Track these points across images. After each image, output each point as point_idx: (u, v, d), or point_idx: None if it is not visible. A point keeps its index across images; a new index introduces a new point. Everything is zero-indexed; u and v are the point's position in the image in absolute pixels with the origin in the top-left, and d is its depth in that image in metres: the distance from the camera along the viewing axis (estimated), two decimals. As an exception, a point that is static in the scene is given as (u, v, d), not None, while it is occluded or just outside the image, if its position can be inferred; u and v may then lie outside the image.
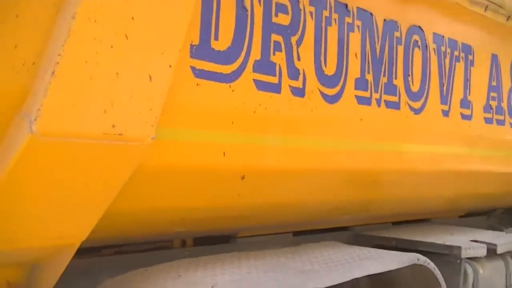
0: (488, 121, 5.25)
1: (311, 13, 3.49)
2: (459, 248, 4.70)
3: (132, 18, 2.44)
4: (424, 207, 5.50)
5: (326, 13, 3.59)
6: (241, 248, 3.88)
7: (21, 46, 2.23)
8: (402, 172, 4.55)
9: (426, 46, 4.44)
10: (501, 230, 6.39)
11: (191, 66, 2.84)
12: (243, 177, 3.27)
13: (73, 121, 2.31)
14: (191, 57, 2.84)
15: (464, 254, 4.71)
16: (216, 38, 2.97)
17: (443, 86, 4.63)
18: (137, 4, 2.45)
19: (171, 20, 2.59)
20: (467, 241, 4.96)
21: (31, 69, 2.24)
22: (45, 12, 2.27)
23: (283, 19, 3.34)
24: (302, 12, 3.44)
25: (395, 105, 4.17)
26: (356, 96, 3.83)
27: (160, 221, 3.15)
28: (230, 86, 3.04)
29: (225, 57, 3.02)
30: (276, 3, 3.28)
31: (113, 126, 2.41)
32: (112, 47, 2.39)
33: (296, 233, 4.52)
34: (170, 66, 2.59)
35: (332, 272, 3.59)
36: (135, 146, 2.52)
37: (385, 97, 4.05)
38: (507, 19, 5.22)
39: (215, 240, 3.97)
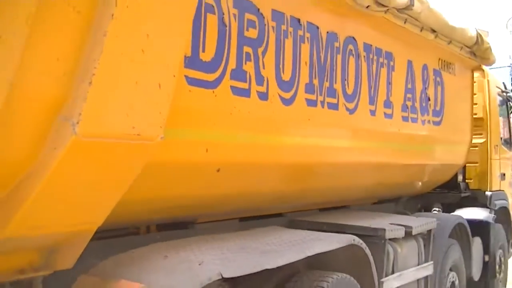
0: (404, 119, 5.99)
1: (273, 27, 4.03)
2: (383, 230, 5.38)
3: (147, 35, 2.88)
4: (347, 195, 6.15)
5: (284, 27, 4.14)
6: (199, 233, 4.34)
7: (62, 58, 2.62)
8: (336, 164, 5.17)
9: (358, 54, 5.08)
10: (407, 215, 7.18)
11: (185, 75, 3.30)
12: (218, 170, 3.77)
13: (104, 124, 2.74)
14: (185, 67, 3.30)
15: (388, 235, 5.39)
16: (204, 50, 3.45)
17: (371, 89, 5.30)
18: (150, 23, 2.89)
19: (174, 37, 3.05)
20: (388, 224, 5.65)
21: (70, 79, 2.64)
22: (79, 29, 2.67)
23: (252, 33, 3.85)
24: (266, 26, 3.96)
25: (335, 106, 4.78)
26: (306, 99, 4.41)
27: (155, 208, 3.60)
28: (213, 92, 3.53)
29: (210, 66, 3.50)
30: (247, 19, 3.79)
31: (133, 127, 2.85)
32: (132, 60, 2.83)
33: (241, 219, 5.03)
34: (174, 76, 3.05)
35: (290, 251, 4.17)
36: (148, 144, 2.97)
37: (327, 99, 4.65)
38: (421, 30, 5.97)
39: (175, 226, 4.41)
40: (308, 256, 4.35)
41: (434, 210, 8.21)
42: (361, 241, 4.96)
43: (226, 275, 3.47)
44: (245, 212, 4.92)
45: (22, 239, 2.78)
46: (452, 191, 8.23)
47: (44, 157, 2.63)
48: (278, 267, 3.95)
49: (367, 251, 5.05)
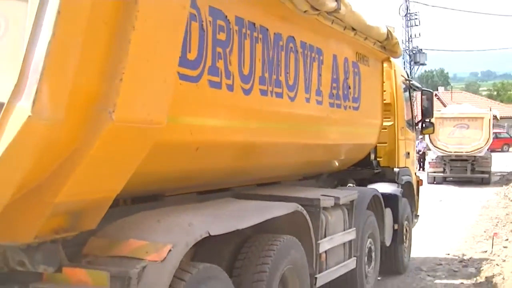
0: (331, 105, 6.99)
1: (236, 31, 4.87)
2: (318, 200, 6.34)
3: (157, 41, 3.66)
4: (282, 172, 7.05)
5: (243, 30, 4.99)
6: (169, 204, 5.09)
7: (97, 60, 3.36)
8: (279, 144, 6.08)
9: (297, 51, 6.00)
10: (331, 189, 8.18)
11: (178, 72, 4.10)
12: (197, 149, 4.59)
13: (130, 112, 3.50)
14: (178, 65, 4.09)
15: (322, 204, 6.36)
16: (190, 51, 4.25)
17: (306, 80, 6.24)
18: (159, 32, 3.67)
19: (174, 41, 3.84)
20: (320, 195, 6.62)
21: (104, 77, 3.38)
22: (108, 37, 3.40)
23: (222, 36, 4.68)
24: (231, 30, 4.80)
25: (280, 95, 5.68)
26: (260, 89, 5.28)
27: (153, 179, 4.37)
28: (196, 85, 4.34)
29: (194, 64, 4.31)
30: (218, 25, 4.62)
31: (148, 114, 3.63)
32: (147, 61, 3.61)
33: (198, 193, 5.81)
34: (175, 72, 3.84)
35: (254, 216, 5.07)
36: (157, 128, 3.75)
37: (275, 89, 5.55)
38: (344, 29, 6.97)
39: (147, 199, 5.14)
40: (261, 222, 5.24)
41: (349, 185, 9.28)
42: (302, 208, 5.91)
43: (212, 233, 4.32)
44: (204, 187, 5.72)
45: (63, 205, 3.50)
46: (365, 168, 9.33)
47: (86, 137, 3.36)
48: (234, 233, 4.78)
49: (307, 217, 6.00)
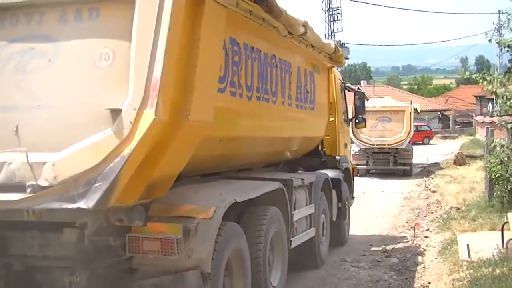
0: (297, 106, 8.86)
1: (243, 53, 6.64)
2: (291, 180, 8.19)
3: (209, 65, 5.41)
4: (257, 160, 8.82)
5: (248, 53, 6.76)
6: (183, 184, 6.69)
7: (181, 77, 5.08)
8: (264, 138, 7.87)
9: (277, 65, 7.82)
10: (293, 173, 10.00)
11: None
12: (220, 140, 6.34)
13: (197, 114, 5.24)
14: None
15: (294, 183, 8.22)
16: (220, 70, 5.99)
17: (282, 87, 8.08)
18: (210, 58, 5.42)
19: (218, 63, 5.59)
20: (290, 177, 8.46)
21: (183, 89, 5.10)
22: (183, 61, 5.12)
23: (236, 58, 6.44)
24: (241, 54, 6.57)
25: (267, 100, 7.50)
26: (257, 96, 7.08)
27: (192, 162, 6.04)
28: (223, 94, 6.10)
29: (222, 79, 6.07)
30: (234, 50, 6.37)
31: (205, 116, 5.38)
32: (205, 79, 5.35)
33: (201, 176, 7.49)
34: (217, 86, 5.61)
35: (257, 190, 6.87)
36: (208, 125, 5.50)
37: (264, 96, 7.35)
38: (306, 46, 8.85)
39: None
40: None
41: (299, 171, 11.13)
42: (282, 186, 7.74)
43: (238, 200, 6.10)
44: (211, 170, 7.34)
45: (153, 178, 5.19)
46: (315, 156, 11.22)
47: (173, 131, 5.06)
48: (235, 204, 6.37)
49: (286, 193, 7.84)
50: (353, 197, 13.15)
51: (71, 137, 5.05)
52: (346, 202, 11.99)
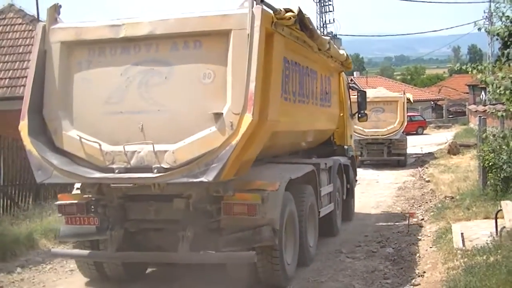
0: (321, 105, 11.08)
1: (290, 68, 8.78)
2: (319, 164, 10.41)
3: (277, 78, 7.60)
4: (289, 149, 10.98)
5: (292, 67, 8.91)
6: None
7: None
8: (302, 131, 10.05)
9: (308, 74, 9.99)
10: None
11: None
12: (272, 133, 8.49)
13: (272, 115, 7.42)
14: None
15: (321, 166, 10.44)
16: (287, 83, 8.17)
17: (312, 91, 10.26)
18: (277, 73, 7.61)
19: (279, 78, 7.79)
20: (318, 161, 10.66)
21: (265, 99, 7.28)
22: (268, 80, 7.31)
23: (286, 72, 8.58)
24: (289, 68, 8.72)
25: (303, 102, 9.68)
26: (298, 100, 9.27)
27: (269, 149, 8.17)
28: (281, 99, 8.25)
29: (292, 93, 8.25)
30: (285, 66, 8.52)
31: (276, 116, 7.57)
32: (275, 89, 7.54)
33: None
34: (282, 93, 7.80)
35: (300, 171, 9.09)
36: (276, 123, 7.68)
37: (301, 98, 9.53)
38: (327, 58, 11.06)
39: None
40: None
41: (313, 158, 13.30)
42: (314, 168, 9.95)
43: (292, 177, 8.31)
44: (260, 156, 9.45)
45: (242, 161, 7.35)
46: (328, 145, 13.42)
47: (258, 129, 7.21)
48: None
49: (317, 172, 10.05)
50: (356, 180, 15.39)
51: (185, 133, 7.22)
52: (353, 184, 14.23)
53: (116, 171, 7.40)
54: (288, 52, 8.52)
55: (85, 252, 8.32)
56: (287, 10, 7.76)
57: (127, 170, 7.38)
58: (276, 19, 7.60)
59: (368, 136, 25.29)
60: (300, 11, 7.92)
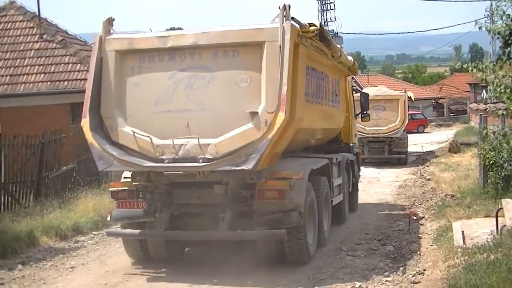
0: (332, 106, 12.35)
1: (309, 73, 10.05)
2: (331, 158, 11.70)
3: (302, 83, 8.89)
4: (304, 145, 12.23)
5: (311, 72, 10.18)
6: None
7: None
8: (318, 129, 11.33)
9: (322, 78, 11.25)
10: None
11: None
12: (297, 131, 9.76)
13: (299, 114, 8.72)
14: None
15: (334, 160, 11.74)
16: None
17: (325, 93, 11.53)
18: (301, 78, 8.89)
19: (303, 80, 9.07)
20: (331, 156, 11.93)
21: (296, 101, 8.57)
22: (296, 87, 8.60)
23: (308, 77, 9.85)
24: (309, 74, 9.99)
25: (319, 103, 10.95)
26: (316, 101, 10.54)
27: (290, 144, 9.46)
28: (304, 102, 9.53)
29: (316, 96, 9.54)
30: (307, 72, 9.79)
31: (302, 115, 8.86)
32: (301, 91, 8.83)
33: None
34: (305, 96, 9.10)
35: (318, 163, 10.39)
36: (300, 121, 8.96)
37: (318, 100, 10.81)
38: (338, 63, 12.36)
39: None
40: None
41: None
42: (328, 162, 11.24)
43: (313, 168, 9.59)
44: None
45: (273, 154, 8.61)
46: (336, 143, 14.70)
47: (289, 126, 8.48)
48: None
49: (330, 166, 11.34)
50: (359, 175, 16.70)
51: (225, 128, 8.50)
52: (357, 178, 15.55)
53: (166, 161, 8.66)
54: (309, 59, 9.78)
55: (137, 231, 9.56)
56: (311, 25, 9.04)
57: (175, 160, 8.65)
58: (302, 32, 8.89)
59: (369, 134, 25.33)
60: (321, 25, 9.20)
